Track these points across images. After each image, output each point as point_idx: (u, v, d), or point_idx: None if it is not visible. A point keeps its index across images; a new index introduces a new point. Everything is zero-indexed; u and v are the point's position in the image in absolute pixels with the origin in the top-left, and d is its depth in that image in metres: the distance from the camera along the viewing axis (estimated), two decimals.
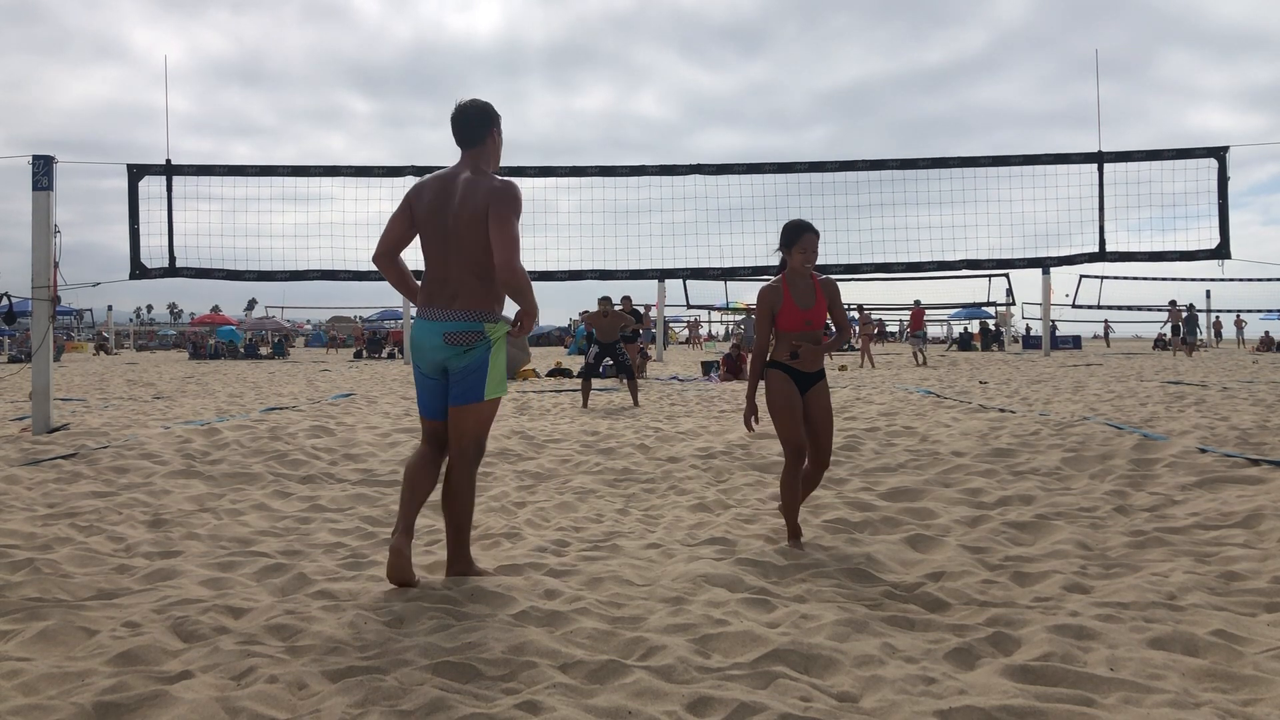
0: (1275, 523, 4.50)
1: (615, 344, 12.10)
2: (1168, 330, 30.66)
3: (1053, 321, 33.91)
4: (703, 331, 52.85)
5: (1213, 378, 15.87)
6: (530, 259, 10.73)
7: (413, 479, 3.82)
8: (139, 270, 9.45)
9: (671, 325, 47.96)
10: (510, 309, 3.87)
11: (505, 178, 3.79)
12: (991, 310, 39.79)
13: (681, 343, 51.30)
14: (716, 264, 10.72)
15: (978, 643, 2.98)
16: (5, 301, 9.36)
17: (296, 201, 10.89)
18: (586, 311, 26.62)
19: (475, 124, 3.85)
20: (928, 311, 40.22)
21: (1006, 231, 10.22)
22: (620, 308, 17.53)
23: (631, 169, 10.15)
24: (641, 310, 31.16)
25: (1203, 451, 6.38)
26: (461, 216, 3.68)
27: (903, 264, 10.18)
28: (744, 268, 10.65)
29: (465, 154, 3.87)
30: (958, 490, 5.56)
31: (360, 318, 57.55)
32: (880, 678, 2.67)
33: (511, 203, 3.68)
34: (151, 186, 9.54)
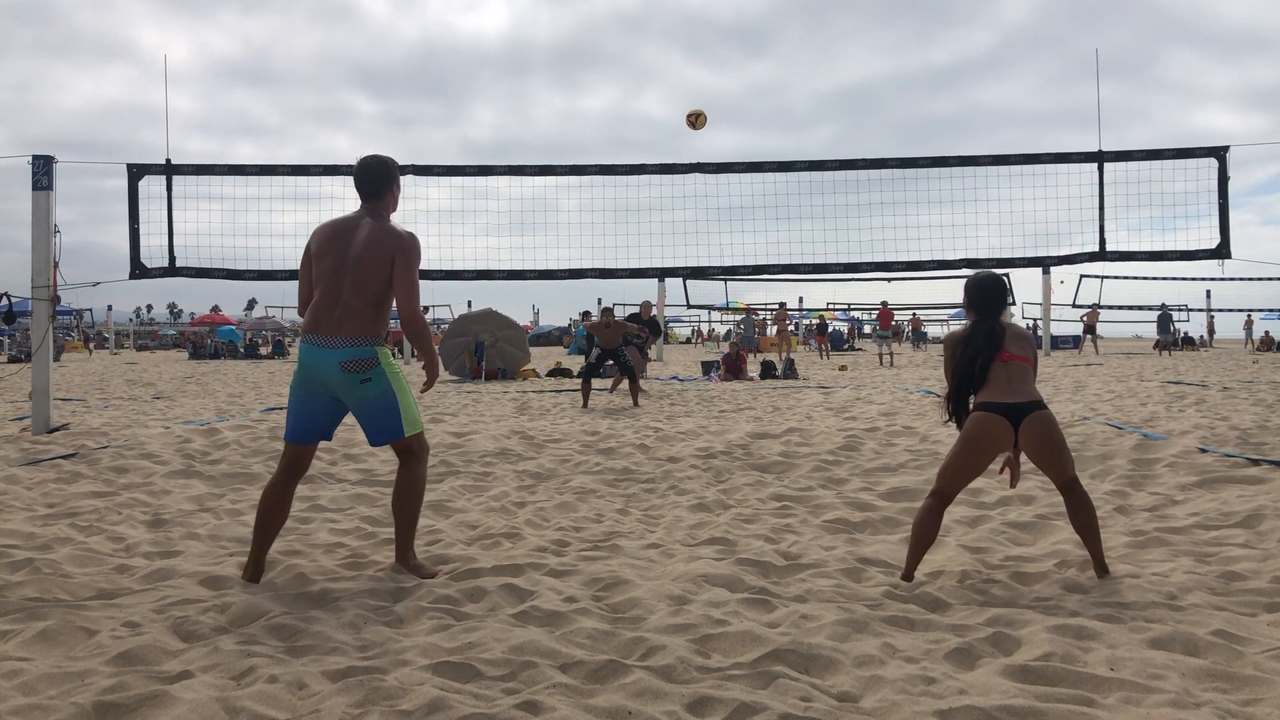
0: (1275, 523, 4.50)
1: (618, 348, 12.13)
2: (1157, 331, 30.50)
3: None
4: (705, 330, 52.74)
5: (1213, 378, 15.86)
6: (530, 258, 10.76)
7: (269, 514, 3.84)
8: (139, 270, 9.44)
9: (670, 326, 47.89)
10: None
11: (408, 229, 3.93)
12: None
13: (683, 342, 51.25)
14: (716, 263, 10.71)
15: (978, 643, 2.98)
16: (5, 301, 9.36)
17: (297, 201, 10.94)
18: (587, 313, 26.60)
19: (376, 179, 3.97)
20: (927, 312, 40.21)
21: (1006, 231, 10.16)
22: (639, 315, 17.45)
23: (631, 168, 10.12)
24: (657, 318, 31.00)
25: (1203, 451, 6.38)
26: (364, 256, 3.80)
27: (903, 263, 10.16)
28: (744, 267, 10.64)
29: (364, 205, 3.98)
30: None
31: None
32: (880, 678, 2.67)
33: (416, 253, 3.87)
34: (151, 186, 9.52)
